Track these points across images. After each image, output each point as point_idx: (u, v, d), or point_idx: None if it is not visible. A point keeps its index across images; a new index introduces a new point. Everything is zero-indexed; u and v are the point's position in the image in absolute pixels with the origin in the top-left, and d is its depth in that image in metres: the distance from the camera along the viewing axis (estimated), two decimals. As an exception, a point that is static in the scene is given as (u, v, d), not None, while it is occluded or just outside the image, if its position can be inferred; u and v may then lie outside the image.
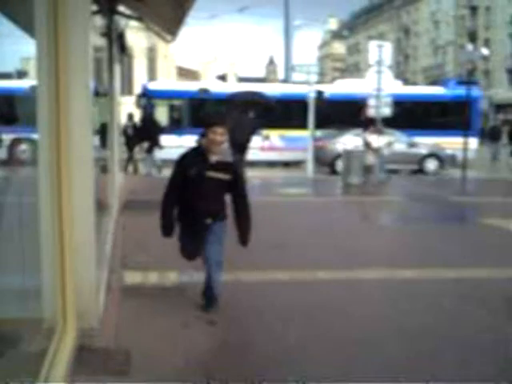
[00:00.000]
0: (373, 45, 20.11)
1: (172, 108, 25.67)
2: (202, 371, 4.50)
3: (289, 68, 37.88)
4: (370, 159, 18.29)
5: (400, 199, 15.44)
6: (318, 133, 22.32)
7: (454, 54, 65.71)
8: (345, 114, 23.88)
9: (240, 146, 14.23)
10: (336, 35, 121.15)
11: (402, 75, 71.21)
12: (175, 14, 8.91)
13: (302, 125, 21.88)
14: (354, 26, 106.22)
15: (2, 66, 5.23)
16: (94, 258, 5.08)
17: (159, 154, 19.97)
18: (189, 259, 5.91)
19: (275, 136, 24.51)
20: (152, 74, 69.37)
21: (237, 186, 5.67)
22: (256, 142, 17.97)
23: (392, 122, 20.04)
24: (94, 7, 7.73)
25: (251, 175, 16.63)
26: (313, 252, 8.57)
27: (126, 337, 5.12)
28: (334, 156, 21.73)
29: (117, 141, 13.84)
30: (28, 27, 4.67)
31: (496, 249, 9.28)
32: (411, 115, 24.87)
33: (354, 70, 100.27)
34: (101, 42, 10.13)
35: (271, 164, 24.30)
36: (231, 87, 28.82)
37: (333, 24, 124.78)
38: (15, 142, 4.56)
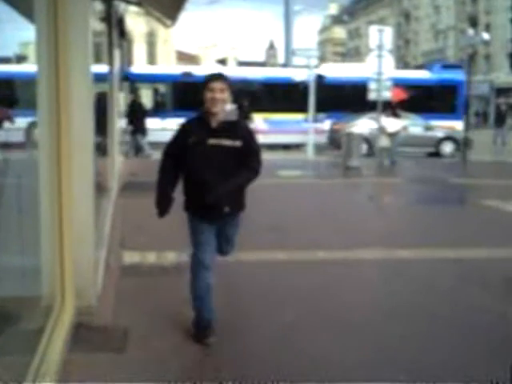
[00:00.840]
0: (373, 29, 20.07)
1: (156, 91, 25.66)
2: (199, 349, 4.52)
3: (289, 52, 37.81)
4: (384, 142, 18.47)
5: (401, 181, 15.48)
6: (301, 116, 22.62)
7: (455, 39, 65.43)
8: (331, 97, 24.16)
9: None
10: (336, 20, 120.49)
11: (402, 59, 70.96)
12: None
13: (286, 108, 22.10)
14: (354, 10, 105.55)
15: (2, 51, 5.21)
16: (92, 237, 5.09)
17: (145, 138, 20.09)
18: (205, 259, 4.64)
19: (259, 119, 24.57)
20: (152, 59, 69.18)
21: (249, 153, 4.60)
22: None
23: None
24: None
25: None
26: (312, 233, 8.58)
27: (124, 315, 5.14)
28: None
29: (117, 124, 13.82)
30: (28, 12, 4.65)
31: (495, 229, 9.29)
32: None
33: (354, 54, 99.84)
34: (100, 27, 10.08)
35: (271, 147, 24.41)
36: (215, 71, 28.45)
37: (333, 9, 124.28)
38: (32, 125, 4.55)
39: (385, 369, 4.28)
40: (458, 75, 26.95)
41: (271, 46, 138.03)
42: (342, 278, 6.53)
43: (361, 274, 6.74)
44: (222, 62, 73.03)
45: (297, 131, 24.13)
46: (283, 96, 25.95)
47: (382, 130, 18.79)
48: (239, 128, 4.64)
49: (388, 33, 20.05)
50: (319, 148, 22.02)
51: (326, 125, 23.70)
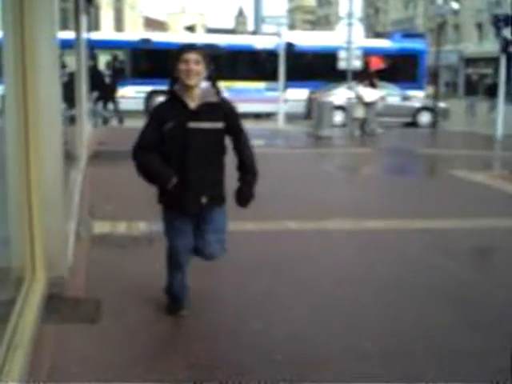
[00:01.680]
0: (343, -3, 20.02)
1: (114, 59, 25.05)
2: (172, 321, 4.54)
3: (258, 20, 37.50)
4: (360, 112, 18.40)
5: (372, 151, 15.57)
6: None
7: (425, 8, 65.43)
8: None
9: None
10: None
11: (372, 28, 70.81)
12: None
13: (249, 77, 21.95)
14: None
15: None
16: (61, 207, 5.03)
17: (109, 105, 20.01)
18: (182, 261, 4.51)
19: (222, 88, 24.32)
20: (119, 26, 68.20)
21: (236, 136, 4.37)
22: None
23: (337, 73, 20.18)
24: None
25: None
26: (280, 203, 8.60)
27: (96, 286, 5.12)
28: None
29: (85, 92, 13.64)
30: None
31: (462, 200, 9.42)
32: None
33: (324, 22, 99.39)
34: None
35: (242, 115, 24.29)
36: (175, 37, 28.04)
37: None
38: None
39: (350, 337, 4.33)
40: (419, 44, 27.04)
41: (240, 13, 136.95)
42: (314, 248, 6.57)
43: (331, 244, 6.80)
44: (191, 28, 72.16)
45: (258, 100, 24.07)
46: (246, 64, 25.84)
47: (359, 99, 18.67)
48: (222, 107, 4.28)
49: (358, 1, 20.04)
50: (291, 117, 22.01)
51: (289, 94, 23.36)
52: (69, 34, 11.04)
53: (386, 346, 4.19)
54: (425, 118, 23.14)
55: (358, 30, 19.65)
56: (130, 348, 4.10)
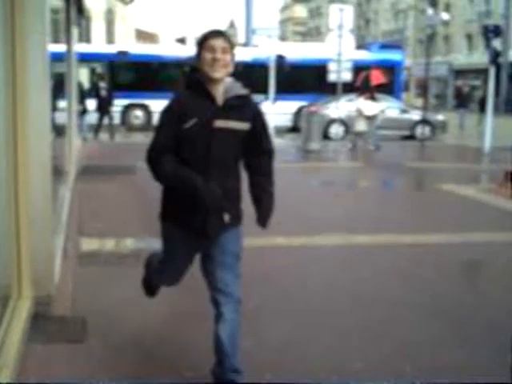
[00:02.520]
0: (334, 8, 20.16)
1: (93, 71, 24.59)
2: (158, 339, 4.52)
3: (249, 31, 37.57)
4: (361, 126, 18.28)
5: (360, 165, 15.57)
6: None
7: (415, 19, 65.78)
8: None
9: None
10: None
11: (362, 39, 71.14)
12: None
13: None
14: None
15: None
16: (49, 224, 5.02)
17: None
18: (169, 284, 4.06)
19: None
20: (110, 37, 68.15)
21: (259, 139, 3.68)
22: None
23: (316, 86, 20.09)
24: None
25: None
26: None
27: (83, 305, 5.10)
28: (326, 122, 21.55)
29: (75, 105, 13.64)
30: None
31: (451, 214, 9.45)
32: None
33: (315, 33, 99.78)
34: (58, 3, 9.90)
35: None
36: (152, 50, 27.76)
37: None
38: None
39: (342, 354, 4.33)
40: (396, 56, 27.09)
41: (231, 25, 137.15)
42: (303, 263, 6.58)
43: (320, 260, 6.80)
44: (182, 40, 72.09)
45: None
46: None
47: (359, 112, 18.42)
48: (249, 106, 3.57)
49: (349, 12, 20.17)
50: (279, 130, 22.00)
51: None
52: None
53: (376, 364, 4.19)
54: (423, 130, 23.14)
55: (349, 41, 19.74)
56: (115, 367, 4.08)
